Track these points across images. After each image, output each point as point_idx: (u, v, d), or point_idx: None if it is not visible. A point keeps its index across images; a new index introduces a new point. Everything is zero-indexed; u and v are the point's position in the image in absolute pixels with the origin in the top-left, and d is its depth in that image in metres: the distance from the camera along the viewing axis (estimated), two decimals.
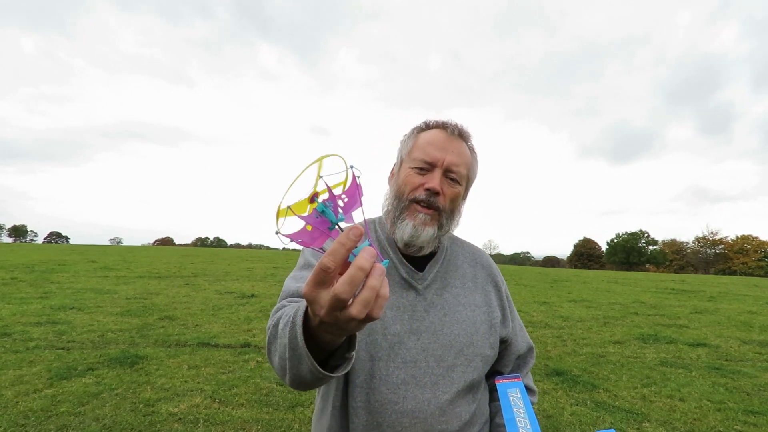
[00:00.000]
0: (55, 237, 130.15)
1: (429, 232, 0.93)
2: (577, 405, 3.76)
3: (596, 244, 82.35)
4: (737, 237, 68.46)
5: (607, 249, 79.13)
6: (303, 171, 0.49)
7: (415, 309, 0.94)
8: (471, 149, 1.01)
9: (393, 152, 1.08)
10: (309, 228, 0.49)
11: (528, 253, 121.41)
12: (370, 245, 0.48)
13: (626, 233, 77.39)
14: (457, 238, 1.12)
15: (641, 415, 3.57)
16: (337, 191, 0.50)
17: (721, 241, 70.46)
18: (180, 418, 3.16)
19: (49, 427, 2.94)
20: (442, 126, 0.99)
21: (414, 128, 1.03)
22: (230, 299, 8.82)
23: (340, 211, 0.50)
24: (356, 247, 0.47)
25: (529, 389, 1.07)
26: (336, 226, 0.49)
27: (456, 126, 0.99)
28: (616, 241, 77.41)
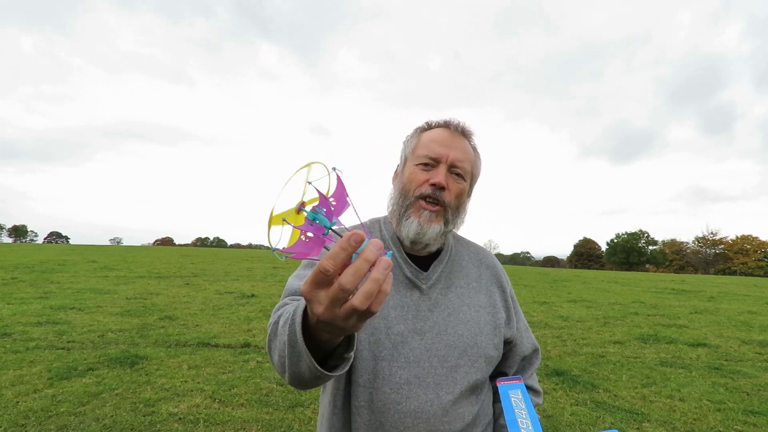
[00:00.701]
0: (55, 237, 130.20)
1: (435, 228, 0.93)
2: (577, 405, 3.76)
3: (596, 244, 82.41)
4: (737, 237, 68.51)
5: (607, 249, 79.17)
6: (287, 182, 0.49)
7: (419, 308, 0.94)
8: (474, 147, 1.02)
9: (394, 152, 1.08)
10: (304, 238, 0.49)
11: (528, 253, 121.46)
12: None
13: (626, 233, 77.44)
14: (461, 238, 1.12)
15: (641, 415, 3.57)
16: (322, 198, 0.50)
17: (721, 241, 70.50)
18: (180, 418, 3.16)
19: (49, 427, 2.94)
20: (445, 124, 1.00)
21: (417, 128, 1.04)
22: (230, 299, 8.82)
23: (332, 215, 0.50)
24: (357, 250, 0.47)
25: (534, 390, 1.06)
26: (329, 231, 0.49)
27: (459, 124, 1.00)
28: (616, 241, 77.47)
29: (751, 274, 57.04)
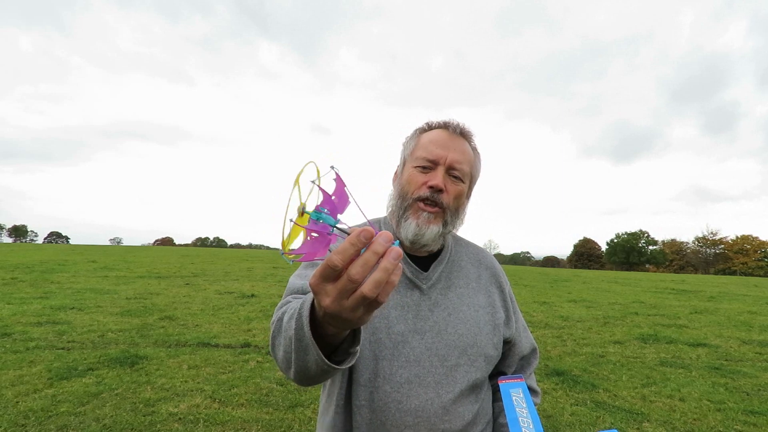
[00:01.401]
0: (55, 237, 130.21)
1: (433, 230, 0.94)
2: (577, 405, 3.76)
3: (596, 244, 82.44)
4: (737, 237, 68.53)
5: (607, 249, 79.20)
6: (295, 185, 0.49)
7: (419, 308, 0.95)
8: (473, 148, 1.02)
9: (394, 152, 1.08)
10: (309, 239, 0.49)
11: (528, 253, 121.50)
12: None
13: (626, 233, 77.47)
14: (461, 239, 1.12)
15: (641, 415, 3.57)
16: (325, 196, 0.50)
17: (721, 241, 70.52)
18: (180, 418, 3.16)
19: (49, 427, 2.94)
20: (444, 125, 1.00)
21: (416, 129, 1.04)
22: (230, 299, 8.82)
23: (336, 213, 0.50)
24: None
25: (532, 390, 1.07)
26: (334, 229, 0.49)
27: (458, 125, 1.00)
28: (616, 241, 77.49)
29: (751, 274, 57.04)
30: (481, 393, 0.97)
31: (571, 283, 17.43)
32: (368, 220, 0.52)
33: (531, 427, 0.80)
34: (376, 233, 0.48)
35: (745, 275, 53.50)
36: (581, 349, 5.78)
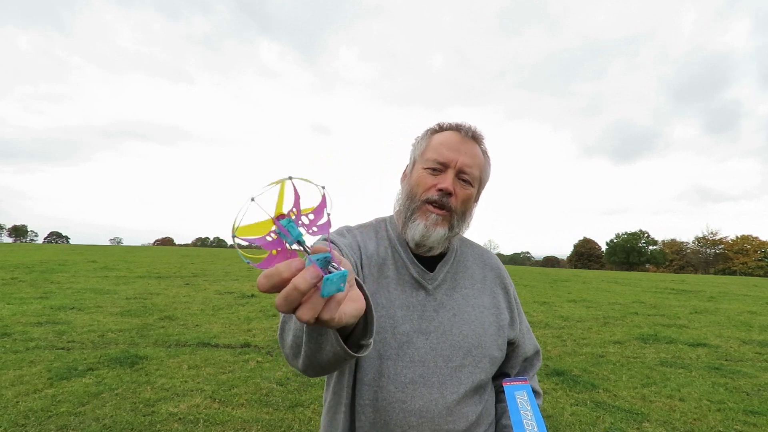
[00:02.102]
0: (55, 237, 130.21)
1: (440, 232, 0.94)
2: (577, 405, 3.76)
3: (596, 244, 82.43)
4: (737, 237, 68.53)
5: (606, 249, 79.19)
6: (263, 190, 0.45)
7: (424, 309, 0.95)
8: (484, 152, 1.02)
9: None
10: (272, 248, 0.46)
11: (528, 253, 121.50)
12: (330, 256, 0.46)
13: (626, 233, 77.47)
14: (465, 239, 1.12)
15: (641, 415, 3.57)
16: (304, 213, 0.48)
17: (721, 241, 70.52)
18: (180, 418, 3.17)
19: (49, 427, 2.94)
20: (456, 128, 1.00)
21: (427, 129, 1.04)
22: (230, 299, 8.82)
23: (304, 229, 0.47)
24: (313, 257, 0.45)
25: (534, 391, 1.07)
26: (296, 244, 0.46)
27: (470, 128, 0.99)
28: (615, 241, 77.49)
29: (751, 274, 57.04)
30: (484, 394, 0.97)
31: (571, 283, 17.43)
32: (330, 248, 0.48)
33: (535, 429, 0.80)
34: (329, 253, 0.46)
35: (745, 275, 53.49)
36: (581, 349, 5.78)
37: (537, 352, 1.11)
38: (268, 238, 0.45)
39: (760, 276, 50.23)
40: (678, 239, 78.68)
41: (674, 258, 74.75)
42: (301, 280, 0.44)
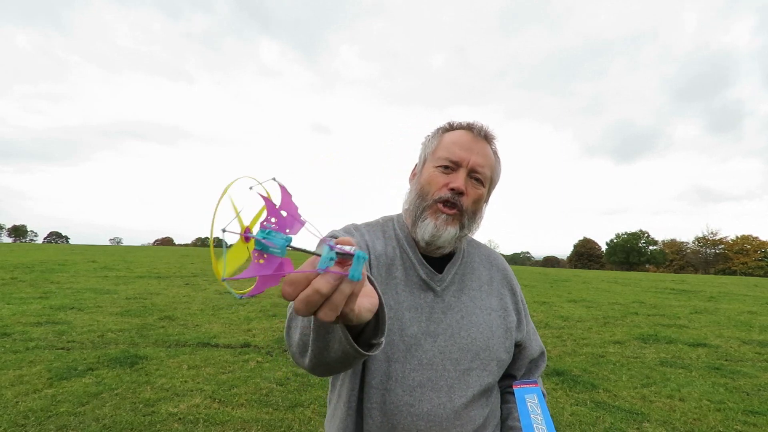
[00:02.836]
0: (55, 237, 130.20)
1: (450, 232, 0.93)
2: (577, 405, 3.76)
3: (596, 244, 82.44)
4: (737, 237, 68.52)
5: (606, 249, 79.19)
6: (216, 211, 0.41)
7: (432, 311, 0.93)
8: (495, 152, 1.01)
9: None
10: (262, 261, 0.43)
11: (528, 253, 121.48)
12: (331, 248, 0.44)
13: (626, 233, 77.48)
14: (472, 240, 1.11)
15: (641, 415, 3.57)
16: (269, 207, 0.44)
17: (721, 241, 70.50)
18: (180, 418, 3.16)
19: (49, 427, 2.94)
20: (468, 127, 0.99)
21: (438, 128, 1.03)
22: (230, 299, 8.81)
23: (286, 226, 0.44)
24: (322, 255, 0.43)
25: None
26: (286, 249, 0.43)
27: (482, 127, 0.98)
28: (615, 241, 77.49)
29: (751, 274, 57.00)
30: (491, 396, 0.96)
31: (571, 283, 17.42)
32: (321, 237, 0.46)
33: None
34: (329, 245, 0.44)
35: (745, 275, 53.45)
36: (581, 349, 5.78)
37: (542, 354, 1.10)
38: (260, 262, 0.42)
39: (760, 276, 50.20)
40: (678, 239, 78.73)
41: (674, 258, 74.74)
42: (324, 283, 0.44)
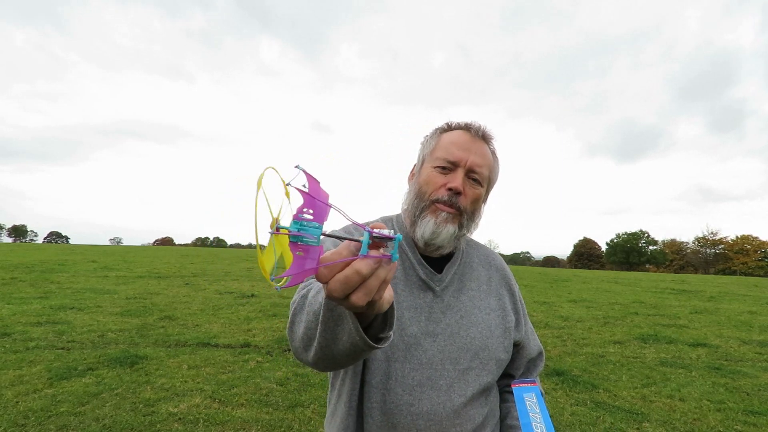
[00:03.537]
0: (55, 237, 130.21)
1: (449, 230, 0.93)
2: (577, 405, 3.76)
3: (596, 244, 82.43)
4: (737, 237, 68.50)
5: (606, 249, 79.19)
6: (257, 205, 0.42)
7: (432, 310, 0.94)
8: (493, 152, 1.01)
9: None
10: (300, 253, 0.44)
11: (528, 253, 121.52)
12: (370, 233, 0.46)
13: (626, 233, 77.49)
14: (471, 240, 1.12)
15: (641, 415, 3.57)
16: (305, 198, 0.45)
17: (721, 241, 70.48)
18: (180, 418, 3.16)
19: (49, 427, 2.94)
20: (466, 127, 0.99)
21: (437, 128, 1.03)
22: (230, 299, 8.82)
23: (323, 217, 0.46)
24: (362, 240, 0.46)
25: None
26: (321, 238, 0.45)
27: (480, 128, 0.99)
28: (615, 241, 77.50)
29: (751, 274, 56.99)
30: (490, 396, 0.97)
31: (571, 283, 17.42)
32: (354, 222, 0.48)
33: (544, 431, 0.80)
34: (367, 231, 0.46)
35: (745, 275, 53.44)
36: (581, 349, 5.78)
37: (540, 354, 1.11)
38: (299, 254, 0.44)
39: (760, 276, 50.19)
40: (678, 239, 78.74)
41: (674, 258, 74.72)
42: (364, 265, 0.46)
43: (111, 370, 4.11)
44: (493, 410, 0.98)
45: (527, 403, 0.86)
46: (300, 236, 0.43)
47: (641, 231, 77.07)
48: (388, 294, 0.53)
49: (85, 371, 4.04)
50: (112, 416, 3.14)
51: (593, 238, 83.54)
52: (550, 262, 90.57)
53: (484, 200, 1.02)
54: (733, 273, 60.95)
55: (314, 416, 3.32)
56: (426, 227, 0.93)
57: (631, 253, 74.54)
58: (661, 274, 34.85)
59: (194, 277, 13.11)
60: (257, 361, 4.56)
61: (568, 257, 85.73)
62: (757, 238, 66.35)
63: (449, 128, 1.01)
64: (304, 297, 0.76)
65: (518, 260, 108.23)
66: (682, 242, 77.19)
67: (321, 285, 0.69)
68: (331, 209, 0.47)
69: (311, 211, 0.45)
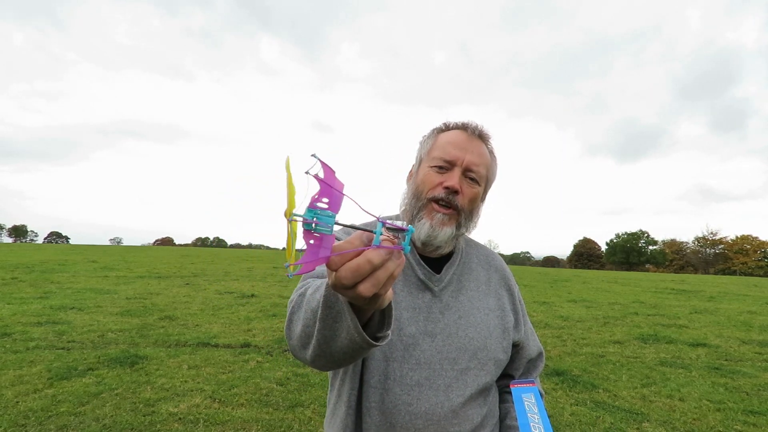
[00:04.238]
0: (55, 237, 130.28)
1: (447, 231, 0.93)
2: (577, 405, 3.76)
3: (596, 244, 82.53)
4: (737, 237, 68.56)
5: (606, 249, 79.25)
6: (291, 192, 0.43)
7: (430, 311, 0.94)
8: (491, 151, 1.02)
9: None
10: (312, 241, 0.45)
11: (528, 253, 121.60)
12: (383, 223, 0.47)
13: (626, 233, 77.55)
14: (470, 240, 1.12)
15: (641, 415, 3.57)
16: (322, 186, 0.46)
17: (720, 241, 70.55)
18: (180, 418, 3.17)
19: (49, 427, 2.94)
20: (463, 126, 1.00)
21: (434, 128, 1.04)
22: (230, 299, 8.82)
23: (337, 205, 0.47)
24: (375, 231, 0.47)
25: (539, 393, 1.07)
26: (333, 227, 0.45)
27: (476, 127, 0.99)
28: (615, 241, 77.55)
29: (751, 274, 57.06)
30: (489, 396, 0.97)
31: (571, 283, 17.43)
32: (367, 212, 0.48)
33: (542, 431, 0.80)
34: (380, 222, 0.47)
35: (745, 275, 53.50)
36: (581, 349, 5.78)
37: (540, 354, 1.11)
38: (311, 242, 0.45)
39: (760, 276, 50.23)
40: (678, 239, 78.77)
41: (674, 258, 74.78)
42: (376, 255, 0.47)
43: (111, 370, 4.11)
44: (492, 410, 0.98)
45: (525, 403, 0.86)
46: (315, 224, 0.44)
47: (641, 231, 77.18)
48: (390, 292, 0.54)
49: (85, 371, 4.05)
50: (112, 416, 3.14)
51: (593, 238, 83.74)
52: (550, 262, 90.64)
53: (482, 199, 1.02)
54: (733, 273, 60.99)
55: (314, 416, 3.32)
56: (422, 229, 0.94)
57: (631, 253, 74.61)
58: (661, 274, 34.87)
59: (194, 277, 13.11)
60: (257, 361, 4.56)
61: (568, 257, 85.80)
62: (756, 238, 66.44)
63: (446, 128, 1.02)
64: (302, 295, 0.76)
65: (518, 260, 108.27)
66: (682, 242, 77.30)
67: (318, 283, 0.69)
68: (344, 199, 0.48)
69: (326, 200, 0.45)
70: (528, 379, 1.05)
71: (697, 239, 73.55)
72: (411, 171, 1.06)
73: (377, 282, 0.48)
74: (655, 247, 77.20)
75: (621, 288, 15.63)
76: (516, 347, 1.05)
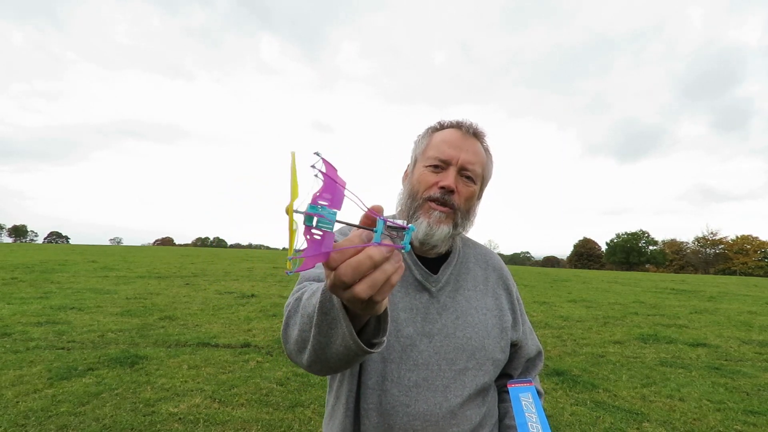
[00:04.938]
0: (55, 237, 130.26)
1: (444, 230, 0.93)
2: (576, 405, 3.76)
3: (596, 244, 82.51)
4: (737, 237, 68.53)
5: (606, 249, 79.22)
6: (295, 187, 0.43)
7: (428, 311, 0.94)
8: (486, 149, 1.01)
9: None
10: (309, 237, 0.44)
11: (528, 253, 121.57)
12: (384, 221, 0.47)
13: (626, 233, 77.53)
14: (468, 239, 1.11)
15: (641, 415, 3.57)
16: (326, 182, 0.45)
17: (720, 241, 70.52)
18: (180, 418, 3.16)
19: (49, 427, 2.94)
20: (457, 125, 0.99)
21: (428, 128, 1.03)
22: (230, 299, 8.82)
23: (339, 201, 0.46)
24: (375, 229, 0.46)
25: (537, 392, 1.07)
26: (334, 224, 0.45)
27: (471, 125, 0.99)
28: (615, 241, 77.53)
29: (751, 274, 57.03)
30: (487, 396, 0.97)
31: (571, 283, 17.43)
32: (368, 209, 0.48)
33: (540, 431, 0.80)
34: (381, 219, 0.47)
35: (745, 275, 53.48)
36: (581, 349, 5.78)
37: (539, 353, 1.11)
38: (313, 237, 0.44)
39: (760, 276, 50.21)
40: (678, 239, 78.74)
41: (674, 258, 74.74)
42: (377, 252, 0.46)
43: (111, 370, 4.11)
44: (491, 410, 0.98)
45: (523, 403, 0.86)
46: (316, 220, 0.44)
47: (641, 231, 77.15)
48: (385, 299, 0.53)
49: (85, 371, 4.05)
50: (112, 416, 3.14)
51: (593, 238, 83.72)
52: (550, 262, 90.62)
53: (479, 198, 1.02)
54: (733, 273, 60.97)
55: (314, 416, 3.32)
56: (419, 228, 0.93)
57: (631, 253, 74.57)
58: (661, 274, 34.87)
59: (194, 277, 13.11)
60: (257, 361, 4.56)
61: (568, 257, 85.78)
62: (756, 238, 66.41)
63: (441, 127, 1.01)
64: (298, 300, 0.76)
65: (518, 260, 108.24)
66: (682, 242, 77.26)
67: (315, 287, 0.69)
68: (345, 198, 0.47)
69: (328, 196, 0.45)
70: (526, 378, 1.05)
71: (698, 239, 73.54)
72: (406, 171, 1.06)
73: (374, 283, 0.47)
74: (655, 247, 77.17)
75: (621, 288, 15.63)
76: (514, 347, 1.04)
